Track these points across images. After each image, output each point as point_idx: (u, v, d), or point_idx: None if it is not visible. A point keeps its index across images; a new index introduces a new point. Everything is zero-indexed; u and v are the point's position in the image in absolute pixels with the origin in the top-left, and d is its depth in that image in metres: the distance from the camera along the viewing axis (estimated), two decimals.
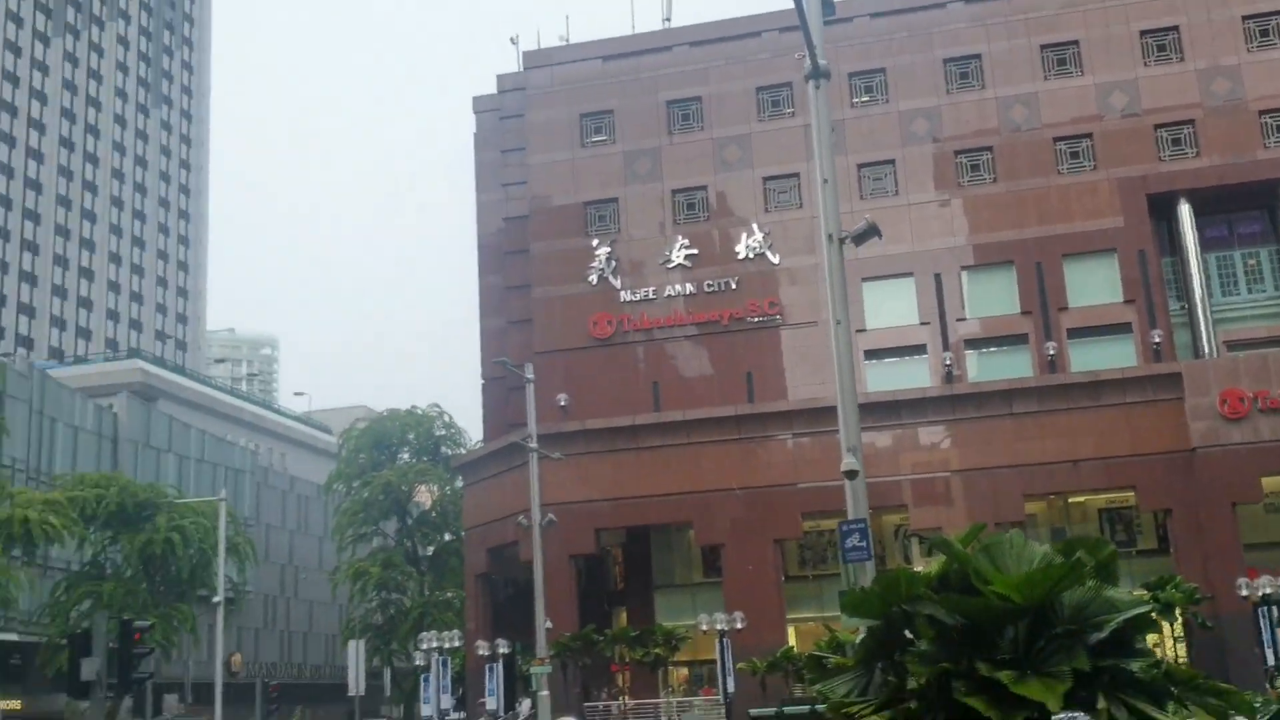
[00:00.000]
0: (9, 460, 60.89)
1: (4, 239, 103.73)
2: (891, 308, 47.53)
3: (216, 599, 48.06)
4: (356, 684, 47.75)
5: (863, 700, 8.87)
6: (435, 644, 45.41)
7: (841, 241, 14.24)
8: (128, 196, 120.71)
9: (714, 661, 42.10)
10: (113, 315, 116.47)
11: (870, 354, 47.17)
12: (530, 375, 35.90)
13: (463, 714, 47.92)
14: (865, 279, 46.42)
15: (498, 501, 48.71)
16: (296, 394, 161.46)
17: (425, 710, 44.58)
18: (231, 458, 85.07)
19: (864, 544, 12.79)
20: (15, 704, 64.22)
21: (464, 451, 63.49)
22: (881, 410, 42.67)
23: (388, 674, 70.30)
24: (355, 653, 46.39)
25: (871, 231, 14.71)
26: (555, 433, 44.06)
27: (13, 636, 61.24)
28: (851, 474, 13.34)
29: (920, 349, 47.61)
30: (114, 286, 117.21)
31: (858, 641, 9.51)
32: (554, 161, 52.35)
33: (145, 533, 56.25)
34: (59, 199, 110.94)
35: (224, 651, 50.02)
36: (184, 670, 61.95)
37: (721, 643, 39.67)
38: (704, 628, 41.24)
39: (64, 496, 52.13)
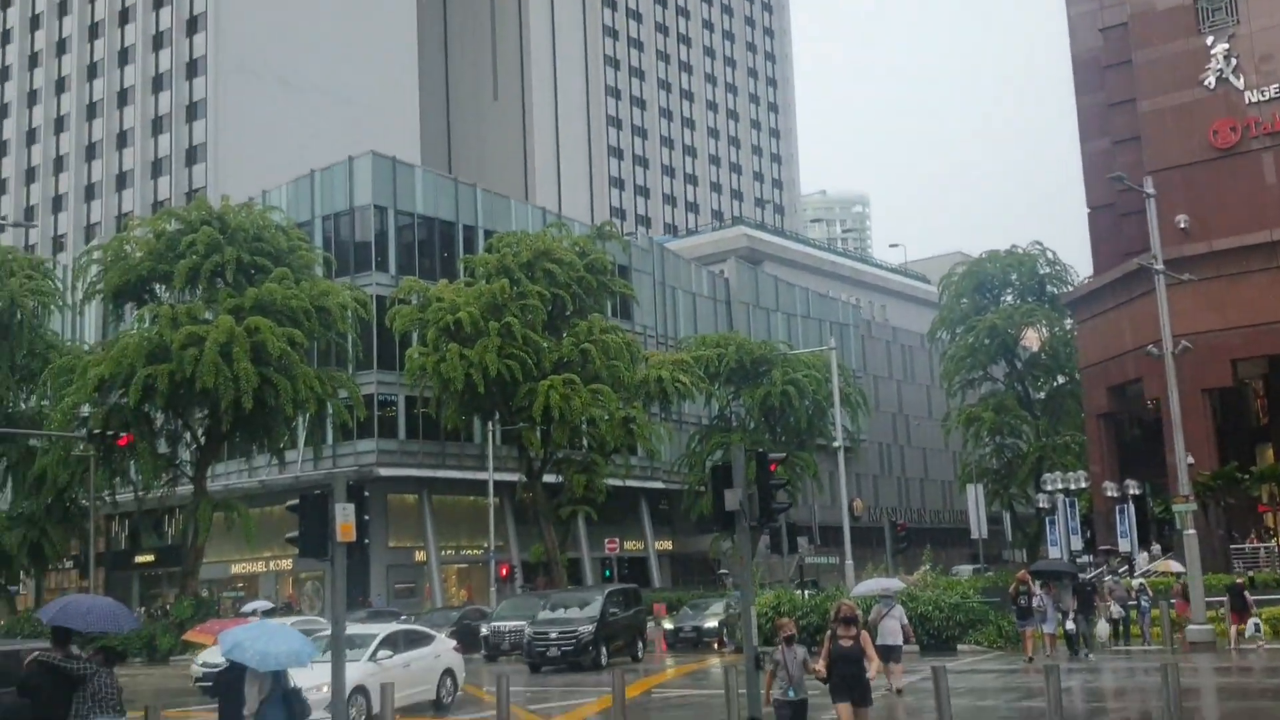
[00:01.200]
0: (641, 327, 66.97)
1: (616, 127, 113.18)
2: None
3: (836, 445, 49.75)
4: (978, 527, 47.62)
5: None
6: (1059, 486, 43.97)
7: None
8: (719, 72, 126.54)
9: None
10: (715, 188, 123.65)
11: None
12: (1151, 190, 32.67)
13: (1089, 557, 46.31)
14: None
15: (1115, 337, 45.85)
16: (891, 246, 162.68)
17: (1052, 553, 43.36)
18: (834, 312, 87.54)
19: None
20: (667, 544, 71.61)
21: (1071, 288, 60.23)
22: None
23: (1007, 518, 69.69)
24: (975, 496, 46.23)
25: None
26: (1177, 257, 40.14)
27: (659, 485, 68.01)
28: None
29: None
30: (714, 160, 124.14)
31: None
32: None
33: (763, 386, 59.84)
34: (659, 83, 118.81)
35: (846, 496, 51.85)
36: (810, 515, 65.30)
37: None
38: None
39: (690, 356, 56.39)
